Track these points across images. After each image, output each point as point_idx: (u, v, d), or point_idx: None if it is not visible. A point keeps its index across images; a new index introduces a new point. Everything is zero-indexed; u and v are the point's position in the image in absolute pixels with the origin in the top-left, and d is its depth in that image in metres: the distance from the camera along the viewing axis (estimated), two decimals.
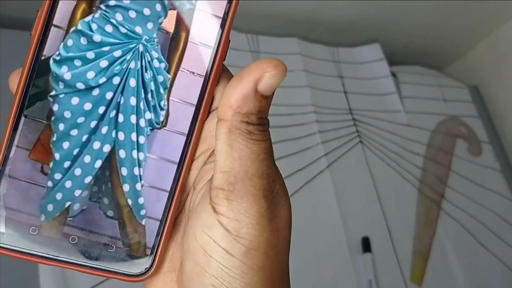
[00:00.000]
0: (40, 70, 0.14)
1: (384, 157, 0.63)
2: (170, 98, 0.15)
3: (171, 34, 0.15)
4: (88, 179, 0.15)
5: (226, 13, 0.15)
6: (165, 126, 0.15)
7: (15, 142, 0.14)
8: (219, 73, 0.15)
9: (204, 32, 0.15)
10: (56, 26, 0.14)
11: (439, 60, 0.86)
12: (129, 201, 0.15)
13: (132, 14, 0.14)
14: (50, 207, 0.14)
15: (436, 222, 0.60)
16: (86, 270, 0.15)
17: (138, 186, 0.15)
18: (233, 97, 0.14)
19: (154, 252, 0.15)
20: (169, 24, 0.15)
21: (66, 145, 0.14)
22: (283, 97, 0.61)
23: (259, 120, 0.14)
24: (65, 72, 0.14)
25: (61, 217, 0.15)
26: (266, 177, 0.14)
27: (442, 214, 0.62)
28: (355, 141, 0.62)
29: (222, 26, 0.15)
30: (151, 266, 0.15)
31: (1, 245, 0.14)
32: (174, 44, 0.15)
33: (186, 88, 0.15)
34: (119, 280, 0.15)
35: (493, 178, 0.69)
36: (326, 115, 0.63)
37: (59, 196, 0.14)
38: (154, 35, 0.15)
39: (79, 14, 0.14)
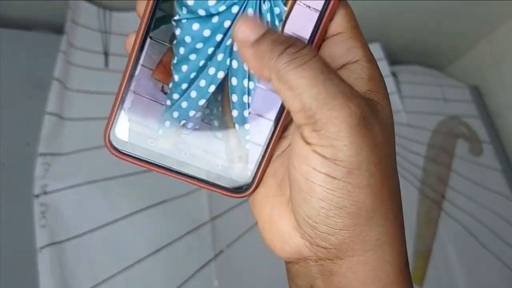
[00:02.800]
0: None
1: None
2: (285, 30, 0.15)
3: None
4: (202, 102, 0.16)
5: None
6: None
7: (141, 61, 0.15)
8: (335, 8, 0.15)
9: None
10: None
11: (439, 59, 0.85)
12: (237, 126, 0.16)
13: None
14: (167, 123, 0.16)
15: (436, 222, 0.60)
16: (194, 181, 0.16)
17: (246, 113, 0.16)
18: (248, 57, 0.14)
19: (254, 174, 0.16)
20: None
21: (184, 68, 0.15)
22: None
23: (282, 43, 0.14)
24: (190, 2, 0.15)
25: (176, 134, 0.16)
26: (339, 96, 0.14)
27: (442, 215, 0.61)
28: None
29: None
30: (250, 185, 0.17)
31: (125, 152, 0.16)
32: None
33: (301, 22, 0.15)
34: (221, 194, 0.17)
35: (494, 178, 0.69)
36: None
37: (175, 114, 0.16)
38: None
39: None
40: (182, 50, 0.15)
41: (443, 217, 0.61)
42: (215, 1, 0.15)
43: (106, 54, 0.53)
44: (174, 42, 0.15)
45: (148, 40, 0.15)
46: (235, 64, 0.16)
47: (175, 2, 0.15)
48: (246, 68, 0.16)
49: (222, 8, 0.15)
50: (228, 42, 0.15)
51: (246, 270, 0.46)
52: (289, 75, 0.14)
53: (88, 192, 0.43)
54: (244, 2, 0.15)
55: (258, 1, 0.15)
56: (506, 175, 0.71)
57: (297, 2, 0.15)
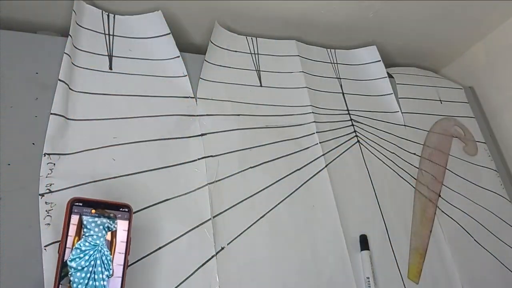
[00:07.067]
0: (64, 265, 0.36)
1: (382, 157, 0.64)
2: (113, 263, 0.37)
3: (109, 239, 0.38)
4: None
5: (128, 229, 0.39)
6: (112, 275, 0.37)
7: None
8: (129, 251, 0.39)
9: (121, 236, 0.39)
10: (68, 247, 0.37)
11: (435, 61, 0.87)
12: None
13: (94, 237, 0.38)
14: None
15: (432, 220, 0.61)
16: None
17: None
18: None
19: None
20: (108, 236, 0.38)
21: None
22: (282, 98, 0.62)
23: None
24: (73, 264, 0.36)
25: None
26: None
27: (438, 213, 0.62)
28: (353, 141, 0.63)
29: (127, 233, 0.39)
30: None
31: None
32: (111, 242, 0.38)
33: (118, 258, 0.38)
34: None
35: (489, 177, 0.70)
36: (324, 115, 0.64)
37: None
38: (103, 241, 0.38)
39: (75, 240, 0.37)
40: (75, 285, 0.36)
41: (438, 215, 0.62)
42: (83, 262, 0.36)
43: (110, 56, 0.54)
44: (70, 283, 0.36)
45: (60, 286, 0.35)
46: (97, 283, 0.36)
47: (68, 267, 0.36)
48: (102, 283, 0.36)
49: (87, 264, 0.36)
50: (92, 276, 0.36)
51: (245, 266, 0.47)
52: None
53: (91, 191, 0.43)
54: (95, 259, 0.37)
55: (101, 256, 0.37)
56: (500, 174, 0.72)
57: (116, 251, 0.38)
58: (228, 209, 0.49)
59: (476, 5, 0.70)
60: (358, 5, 0.66)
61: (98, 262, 0.37)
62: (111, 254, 0.37)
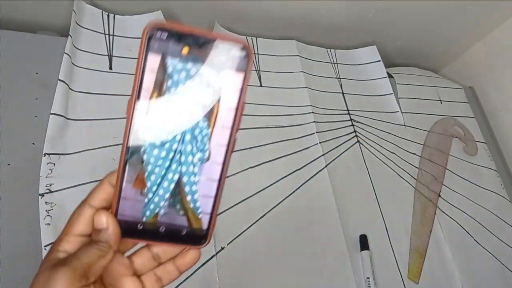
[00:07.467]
0: (134, 137, 0.22)
1: (382, 157, 0.64)
2: (211, 143, 0.23)
3: (209, 103, 0.22)
4: (167, 196, 0.24)
5: (241, 88, 0.22)
6: (208, 160, 0.23)
7: (125, 178, 0.23)
8: (239, 125, 0.23)
9: (229, 99, 0.22)
10: (142, 109, 0.22)
11: (435, 61, 0.87)
12: (191, 205, 0.24)
13: (183, 96, 0.22)
14: (147, 213, 0.23)
15: (432, 220, 0.61)
16: (170, 245, 0.24)
17: (196, 196, 0.24)
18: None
19: (207, 233, 0.24)
20: (208, 96, 0.22)
21: (153, 177, 0.23)
22: (282, 98, 0.62)
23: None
24: (148, 137, 0.22)
25: (154, 217, 0.24)
26: None
27: (438, 212, 0.62)
28: (353, 141, 0.63)
29: (240, 94, 0.22)
30: (206, 240, 0.24)
31: (124, 235, 0.23)
32: (212, 108, 0.22)
33: (219, 136, 0.23)
34: (190, 248, 0.24)
35: (489, 177, 0.70)
36: (324, 115, 0.64)
37: (151, 206, 0.23)
38: (199, 105, 0.22)
39: (154, 97, 0.22)
40: (149, 167, 0.23)
41: (438, 215, 0.62)
42: (160, 141, 0.23)
43: (110, 56, 0.54)
44: (144, 162, 0.23)
45: (127, 164, 0.22)
46: (184, 168, 0.23)
47: (141, 148, 0.23)
48: (191, 170, 0.23)
49: (169, 139, 0.23)
50: (177, 157, 0.23)
51: (245, 266, 0.47)
52: None
53: None
54: (183, 132, 0.23)
55: (191, 130, 0.23)
56: (500, 174, 0.72)
57: (216, 125, 0.22)
58: (228, 209, 0.49)
59: (476, 5, 0.70)
60: (358, 5, 0.66)
61: (188, 137, 0.23)
62: (209, 127, 0.22)
